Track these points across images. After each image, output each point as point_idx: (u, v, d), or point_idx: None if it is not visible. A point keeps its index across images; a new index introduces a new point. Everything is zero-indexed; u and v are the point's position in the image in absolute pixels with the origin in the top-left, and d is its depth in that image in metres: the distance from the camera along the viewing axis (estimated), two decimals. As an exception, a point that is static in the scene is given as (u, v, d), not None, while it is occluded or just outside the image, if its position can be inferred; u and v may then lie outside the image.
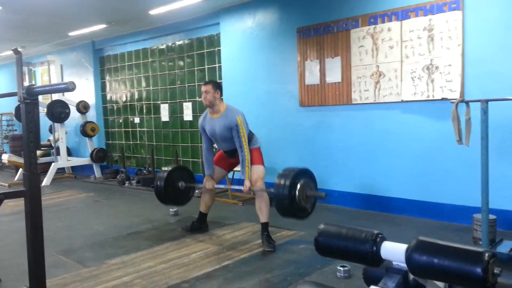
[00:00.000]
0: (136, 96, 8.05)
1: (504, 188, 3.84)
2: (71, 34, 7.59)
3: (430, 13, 4.22)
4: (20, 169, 7.98)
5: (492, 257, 1.13)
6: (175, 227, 4.42)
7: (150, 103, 7.79)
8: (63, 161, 8.07)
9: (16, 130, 10.35)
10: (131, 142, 8.31)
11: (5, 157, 8.25)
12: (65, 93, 7.99)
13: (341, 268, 2.95)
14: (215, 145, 4.44)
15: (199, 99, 6.87)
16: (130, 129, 8.30)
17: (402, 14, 4.41)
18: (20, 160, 7.62)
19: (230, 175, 5.63)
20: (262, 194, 3.76)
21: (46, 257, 2.51)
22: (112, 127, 8.71)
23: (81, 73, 8.84)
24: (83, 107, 8.39)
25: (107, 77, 8.62)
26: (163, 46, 7.41)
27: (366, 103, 4.76)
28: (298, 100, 5.40)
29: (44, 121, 8.16)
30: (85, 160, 8.37)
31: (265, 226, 3.72)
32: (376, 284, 1.30)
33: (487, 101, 3.10)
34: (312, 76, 5.23)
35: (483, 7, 3.93)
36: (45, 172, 7.63)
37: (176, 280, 3.02)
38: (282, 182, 3.13)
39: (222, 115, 3.78)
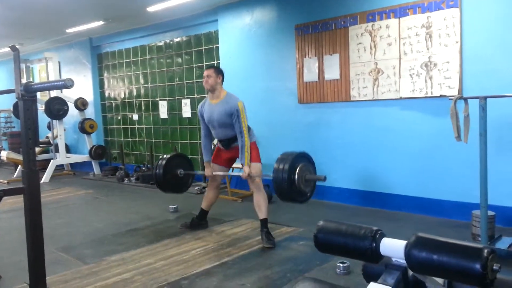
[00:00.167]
0: (134, 93, 8.04)
1: (502, 184, 3.86)
2: (68, 31, 7.56)
3: (428, 10, 4.22)
4: (19, 166, 7.96)
5: (491, 253, 1.14)
6: (175, 224, 4.43)
7: (149, 100, 7.77)
8: (62, 158, 8.06)
9: (14, 127, 10.32)
10: (130, 139, 8.30)
11: (3, 154, 8.23)
12: (63, 90, 7.97)
13: (341, 265, 2.97)
14: (214, 142, 4.44)
15: (198, 96, 6.86)
16: (128, 126, 8.29)
17: (400, 11, 4.41)
18: (19, 157, 7.61)
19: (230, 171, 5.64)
20: (260, 190, 3.77)
21: (46, 254, 2.51)
22: (110, 124, 8.70)
23: (79, 70, 8.81)
24: (81, 104, 8.37)
25: (105, 74, 8.60)
26: (161, 43, 7.39)
27: (365, 100, 4.77)
28: (297, 97, 5.40)
29: (43, 118, 8.15)
30: (84, 157, 8.36)
31: (264, 222, 3.73)
32: (375, 280, 1.31)
33: (485, 97, 3.10)
34: (311, 73, 5.22)
35: (481, 4, 3.93)
36: (44, 169, 7.62)
37: (175, 277, 3.02)
38: (281, 166, 3.14)
39: (223, 101, 3.77)
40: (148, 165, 7.30)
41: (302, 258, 3.33)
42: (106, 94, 8.67)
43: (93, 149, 8.18)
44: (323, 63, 5.10)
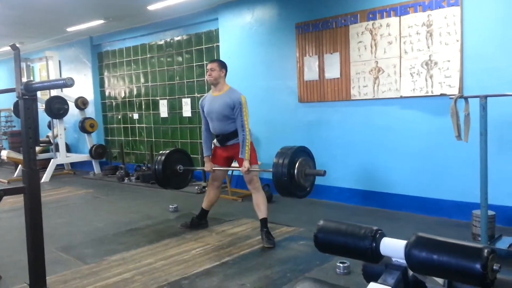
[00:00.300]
0: (135, 92, 8.04)
1: (503, 184, 3.85)
2: (69, 29, 7.56)
3: (429, 9, 4.21)
4: (19, 166, 7.96)
5: (491, 253, 1.13)
6: (175, 224, 4.43)
7: (149, 99, 7.77)
8: (62, 157, 8.06)
9: (15, 126, 10.33)
10: (130, 138, 8.30)
11: (4, 154, 8.23)
12: (64, 89, 7.97)
13: (341, 265, 2.96)
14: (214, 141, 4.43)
15: (198, 95, 6.86)
16: (129, 125, 8.29)
17: (401, 10, 4.40)
18: (19, 157, 7.61)
19: (229, 172, 5.64)
20: (258, 191, 3.77)
21: (46, 253, 2.51)
22: (111, 123, 8.70)
23: (79, 69, 8.81)
24: (81, 103, 8.37)
25: (106, 73, 8.60)
26: (162, 42, 7.39)
27: (365, 99, 4.76)
28: (297, 96, 5.39)
29: (43, 117, 8.15)
30: (84, 157, 8.36)
31: (264, 222, 3.72)
32: (375, 280, 1.30)
33: (486, 96, 3.10)
34: (311, 72, 5.22)
35: (481, 3, 3.92)
36: (44, 168, 7.62)
37: (176, 277, 3.02)
38: (280, 160, 3.14)
39: (225, 94, 3.76)
40: (149, 165, 7.31)
41: (302, 258, 3.33)
42: (107, 93, 8.66)
43: (93, 149, 8.19)
44: (323, 62, 5.09)
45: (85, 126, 8.20)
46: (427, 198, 4.40)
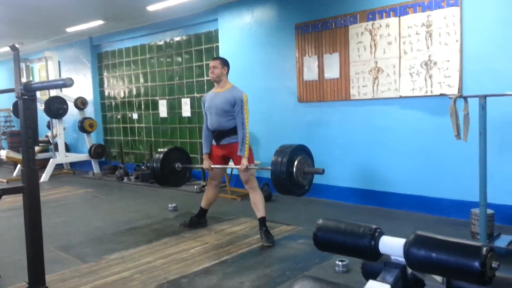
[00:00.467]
0: (134, 92, 8.04)
1: (502, 183, 3.86)
2: (68, 30, 7.55)
3: (428, 9, 4.22)
4: (19, 165, 7.95)
5: (490, 251, 1.14)
6: (174, 223, 4.43)
7: (148, 99, 7.77)
8: (61, 157, 8.05)
9: (14, 126, 10.32)
10: (130, 138, 8.30)
11: (3, 153, 8.23)
12: (63, 89, 7.97)
13: (340, 263, 2.97)
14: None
15: (198, 95, 6.86)
16: (128, 125, 8.29)
17: (400, 10, 4.41)
18: (19, 156, 7.60)
19: (228, 170, 5.64)
20: (255, 190, 3.78)
21: (45, 252, 2.51)
22: (110, 123, 8.69)
23: (78, 69, 8.81)
24: (81, 103, 8.37)
25: (105, 73, 8.59)
26: (161, 42, 7.39)
27: (365, 99, 4.77)
28: (297, 96, 5.40)
29: (42, 117, 8.14)
30: (83, 156, 8.36)
31: (262, 221, 3.73)
32: (374, 278, 1.31)
33: (485, 96, 3.10)
34: (311, 72, 5.22)
35: (481, 3, 3.93)
36: (43, 168, 7.61)
37: (175, 275, 3.03)
38: (279, 159, 3.15)
39: (227, 90, 3.78)
40: (148, 164, 7.30)
41: (301, 256, 3.33)
42: (106, 93, 8.66)
43: (92, 148, 8.18)
44: (323, 62, 5.09)
45: (84, 126, 8.19)
46: (426, 197, 4.41)
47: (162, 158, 4.01)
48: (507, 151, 3.87)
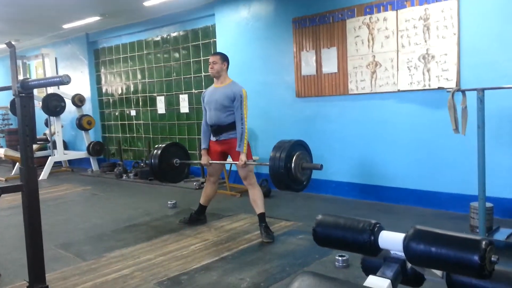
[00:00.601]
0: (132, 89, 8.01)
1: (500, 176, 3.87)
2: (65, 26, 7.51)
3: (425, 3, 4.20)
4: (17, 164, 7.94)
5: (489, 244, 1.14)
6: (174, 220, 4.43)
7: (146, 96, 7.75)
8: (59, 154, 8.04)
9: (11, 124, 10.28)
10: (128, 135, 8.28)
11: (1, 152, 8.21)
12: (60, 86, 7.93)
13: (340, 258, 2.97)
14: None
15: (196, 91, 6.85)
16: (126, 122, 8.27)
17: (398, 4, 4.39)
18: (17, 154, 7.58)
19: (227, 166, 5.64)
20: (254, 186, 3.77)
21: (45, 251, 2.51)
22: (108, 120, 8.67)
23: (75, 66, 8.77)
24: (78, 100, 8.34)
25: (102, 70, 8.56)
26: (158, 38, 7.36)
27: (363, 93, 4.76)
28: (295, 91, 5.39)
29: (40, 115, 8.10)
30: (82, 154, 8.34)
31: (262, 217, 3.73)
32: (374, 273, 1.31)
33: (483, 89, 3.10)
34: (308, 67, 5.21)
35: (479, -4, 3.92)
36: (42, 166, 7.61)
37: (175, 272, 3.03)
38: (277, 154, 3.15)
39: (227, 86, 3.78)
40: (147, 161, 7.29)
41: (301, 252, 3.34)
42: (104, 90, 8.63)
43: (91, 146, 8.17)
44: (320, 57, 5.08)
45: (82, 123, 8.17)
46: (425, 191, 4.42)
47: (160, 154, 4.01)
48: (505, 144, 3.88)
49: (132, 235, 4.00)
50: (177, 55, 7.09)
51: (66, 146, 8.78)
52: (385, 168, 4.72)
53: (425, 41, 4.24)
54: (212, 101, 3.79)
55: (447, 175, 4.25)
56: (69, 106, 8.14)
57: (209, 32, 6.51)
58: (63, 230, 4.28)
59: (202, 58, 6.69)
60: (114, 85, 8.37)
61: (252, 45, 5.78)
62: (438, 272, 1.31)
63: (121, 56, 8.08)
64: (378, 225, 1.37)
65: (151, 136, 7.77)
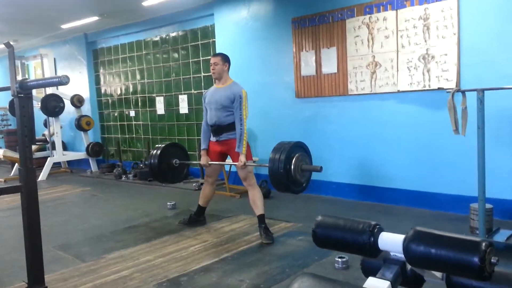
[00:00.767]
0: (131, 89, 8.00)
1: (500, 177, 3.86)
2: (63, 26, 7.51)
3: (425, 2, 4.20)
4: (16, 164, 7.93)
5: (489, 246, 1.13)
6: (173, 221, 4.42)
7: (145, 96, 7.74)
8: (58, 155, 8.03)
9: (10, 124, 10.27)
10: (127, 136, 8.27)
11: (0, 152, 8.20)
12: (59, 87, 7.93)
13: (339, 259, 2.97)
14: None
15: (195, 92, 6.84)
16: (125, 123, 8.26)
17: (398, 3, 4.39)
18: (16, 155, 7.57)
19: (226, 167, 5.64)
20: (254, 187, 3.77)
21: (44, 252, 2.51)
22: (107, 121, 8.66)
23: (74, 66, 8.76)
24: (77, 101, 8.33)
25: (101, 70, 8.55)
26: (157, 38, 7.35)
27: (363, 94, 4.76)
28: (294, 91, 5.38)
29: (39, 116, 8.10)
30: (81, 155, 8.33)
31: (261, 218, 3.72)
32: (374, 275, 1.30)
33: (483, 90, 3.10)
34: (308, 67, 5.21)
35: (478, -4, 3.92)
36: (41, 167, 7.59)
37: (174, 274, 3.02)
38: (277, 156, 3.15)
39: (228, 86, 3.79)
40: (146, 162, 7.28)
41: (300, 253, 3.33)
42: (102, 91, 8.62)
43: (90, 146, 8.16)
44: (320, 57, 5.08)
45: (81, 124, 8.16)
46: (425, 192, 4.41)
47: (160, 154, 4.01)
48: (505, 145, 3.87)
49: (132, 236, 3.99)
50: (176, 55, 7.09)
51: (65, 147, 8.77)
52: (385, 169, 4.71)
53: (425, 41, 4.23)
54: (213, 101, 3.80)
55: (447, 176, 4.25)
56: (68, 107, 8.13)
57: (208, 32, 6.50)
58: (62, 231, 4.27)
59: (201, 58, 6.68)
60: (113, 85, 8.36)
61: (251, 45, 5.78)
62: (438, 274, 1.30)
63: (120, 56, 8.07)
64: (377, 226, 1.36)
65: (150, 136, 7.76)
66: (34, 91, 2.71)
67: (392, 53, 4.48)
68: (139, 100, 7.87)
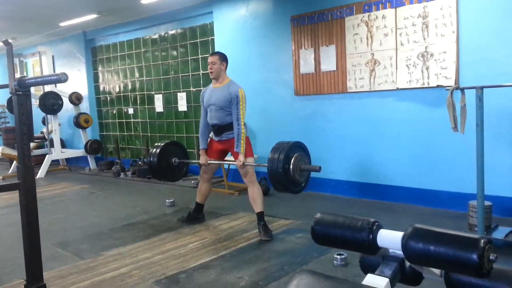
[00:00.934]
0: (129, 87, 7.98)
1: (499, 175, 3.87)
2: (62, 24, 7.48)
3: (424, 0, 4.19)
4: (14, 162, 7.92)
5: (487, 243, 1.14)
6: (172, 218, 4.42)
7: (144, 94, 7.73)
8: (57, 153, 8.02)
9: (9, 122, 10.25)
10: (126, 133, 8.26)
11: (-2, 150, 8.19)
12: (58, 85, 7.90)
13: (338, 257, 2.97)
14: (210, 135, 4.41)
15: (194, 89, 6.83)
16: (124, 120, 8.25)
17: (397, 1, 4.38)
18: (14, 153, 7.56)
19: (225, 165, 5.64)
20: (254, 184, 3.77)
21: (43, 249, 2.50)
22: (106, 118, 8.65)
23: (73, 64, 8.73)
24: (76, 99, 8.31)
25: (100, 68, 8.53)
26: (156, 36, 7.33)
27: (362, 91, 4.76)
28: (293, 89, 5.38)
29: (37, 113, 8.09)
30: (79, 152, 8.32)
31: (260, 215, 3.72)
32: (373, 272, 1.31)
33: (482, 88, 3.10)
34: (307, 65, 5.20)
35: (478, -7, 3.91)
36: (39, 164, 7.58)
37: (173, 271, 3.02)
38: (276, 155, 3.15)
39: (225, 86, 3.78)
40: (144, 160, 7.28)
41: (299, 250, 3.34)
42: (101, 88, 8.61)
43: (88, 144, 8.14)
44: (319, 55, 5.07)
45: (79, 122, 8.14)
46: (423, 189, 4.42)
47: (159, 153, 4.01)
48: (504, 143, 3.88)
49: (130, 233, 3.99)
50: (175, 53, 7.07)
51: (63, 145, 8.75)
52: (384, 167, 4.71)
53: (424, 39, 4.23)
54: (211, 102, 3.81)
55: (446, 173, 4.25)
56: (66, 104, 8.11)
57: (207, 30, 6.49)
58: (60, 229, 4.27)
59: (200, 56, 6.67)
60: (112, 83, 8.34)
61: (250, 43, 5.76)
62: (437, 271, 1.30)
63: (119, 54, 8.05)
64: (376, 223, 1.36)
65: (149, 134, 7.75)
66: (32, 89, 2.71)
67: (391, 51, 4.47)
68: (138, 98, 7.86)
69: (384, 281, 1.25)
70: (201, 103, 4.00)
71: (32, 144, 7.68)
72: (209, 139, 4.10)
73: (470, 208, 3.57)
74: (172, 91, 7.20)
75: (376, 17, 4.54)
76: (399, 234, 1.29)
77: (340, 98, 4.98)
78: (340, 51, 4.87)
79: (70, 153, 8.44)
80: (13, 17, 6.76)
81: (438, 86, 4.13)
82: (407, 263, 1.31)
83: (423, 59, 4.25)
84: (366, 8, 4.61)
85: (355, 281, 1.36)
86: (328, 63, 4.99)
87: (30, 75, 9.61)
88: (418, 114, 4.39)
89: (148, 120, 7.76)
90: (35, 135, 8.46)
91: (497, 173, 3.85)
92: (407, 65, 4.37)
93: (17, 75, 2.36)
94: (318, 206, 4.69)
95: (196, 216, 4.21)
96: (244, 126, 3.79)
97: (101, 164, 8.00)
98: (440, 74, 4.15)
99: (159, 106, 7.45)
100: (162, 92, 7.36)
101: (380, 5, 4.50)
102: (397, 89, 4.48)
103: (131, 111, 8.04)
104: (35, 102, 7.61)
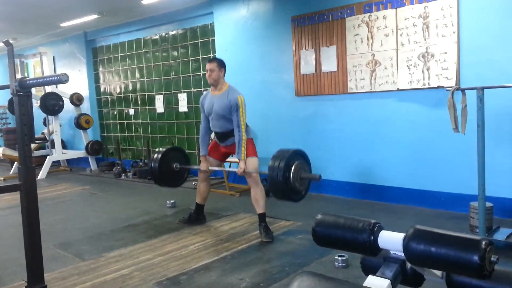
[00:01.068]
0: (130, 88, 7.99)
1: (500, 176, 3.86)
2: (62, 25, 7.49)
3: (425, 1, 4.19)
4: (15, 163, 7.92)
5: (489, 245, 1.13)
6: (173, 219, 4.42)
7: (145, 95, 7.73)
8: (58, 154, 8.02)
9: (9, 123, 10.25)
10: (127, 134, 8.27)
11: (-1, 151, 8.20)
12: (58, 85, 7.91)
13: (339, 258, 2.97)
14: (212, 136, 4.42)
15: (194, 90, 6.83)
16: (125, 121, 8.25)
17: (397, 2, 4.38)
18: (15, 154, 7.57)
19: (226, 166, 5.63)
20: (257, 185, 3.76)
21: (44, 250, 2.50)
22: (106, 119, 8.65)
23: (73, 64, 8.74)
24: (76, 99, 8.32)
25: (100, 69, 8.54)
26: (157, 37, 7.34)
27: (362, 92, 4.75)
28: (294, 90, 5.38)
29: (38, 114, 8.09)
30: (80, 153, 8.32)
31: (262, 216, 3.72)
32: (374, 273, 1.31)
33: (483, 88, 3.09)
34: (308, 65, 5.20)
35: (478, -6, 3.91)
36: (40, 165, 7.58)
37: (174, 272, 3.02)
38: (276, 164, 3.15)
39: (224, 93, 3.77)
40: (145, 160, 7.28)
41: (300, 251, 3.33)
42: (102, 89, 8.61)
43: (89, 145, 8.15)
44: (320, 55, 5.07)
45: (80, 123, 8.15)
46: (424, 190, 4.41)
47: (161, 158, 4.01)
48: (505, 144, 3.87)
49: (131, 234, 3.99)
50: (175, 53, 7.07)
51: (64, 145, 8.75)
52: (384, 167, 4.71)
53: (425, 40, 4.23)
54: (213, 111, 3.82)
55: (447, 175, 4.25)
56: (67, 105, 8.12)
57: (208, 31, 6.49)
58: (61, 230, 4.27)
59: (200, 56, 6.67)
60: (113, 84, 8.35)
61: (251, 44, 5.77)
62: (438, 272, 1.30)
63: (119, 54, 8.06)
64: (377, 224, 1.36)
65: (150, 135, 7.75)
66: (33, 90, 2.71)
67: (391, 52, 4.47)
68: (139, 99, 7.86)
69: (386, 282, 1.25)
70: (200, 109, 4.01)
71: (33, 145, 7.69)
72: (213, 139, 4.11)
73: (471, 209, 3.56)
74: (172, 91, 7.20)
75: (377, 18, 4.54)
76: (400, 236, 1.29)
77: (341, 98, 4.97)
78: (341, 52, 4.87)
79: (71, 154, 8.45)
80: (14, 17, 6.77)
81: (439, 86, 4.13)
82: (408, 265, 1.31)
83: (424, 59, 4.25)
84: (366, 8, 4.61)
85: (356, 282, 1.36)
86: (329, 64, 4.99)
87: (31, 75, 9.62)
88: (419, 115, 4.38)
89: (149, 121, 7.76)
90: (36, 136, 8.47)
91: (498, 174, 3.84)
92: (407, 66, 4.37)
93: (18, 76, 2.36)
94: (319, 207, 4.69)
95: (197, 217, 4.21)
96: (247, 129, 3.80)
97: (102, 165, 8.01)
98: (441, 74, 4.15)
99: (159, 107, 7.45)
100: (163, 92, 7.37)
101: (380, 5, 4.50)
102: (398, 89, 4.47)
103: (131, 112, 8.04)
104: (36, 103, 7.61)
